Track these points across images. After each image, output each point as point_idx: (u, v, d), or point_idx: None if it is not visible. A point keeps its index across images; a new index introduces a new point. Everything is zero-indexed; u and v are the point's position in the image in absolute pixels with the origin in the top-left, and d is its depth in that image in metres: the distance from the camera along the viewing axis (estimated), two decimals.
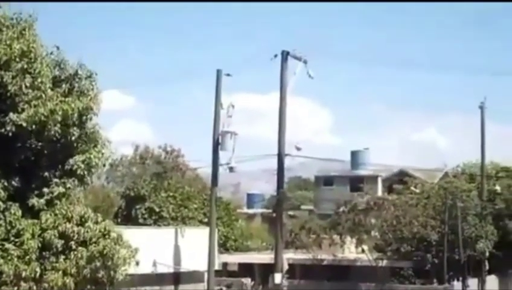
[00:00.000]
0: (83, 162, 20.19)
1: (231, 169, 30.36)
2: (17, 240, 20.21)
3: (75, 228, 19.07)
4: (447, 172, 66.61)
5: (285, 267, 37.11)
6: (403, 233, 49.49)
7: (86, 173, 20.28)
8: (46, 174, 21.41)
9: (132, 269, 18.93)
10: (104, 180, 53.47)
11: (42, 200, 20.87)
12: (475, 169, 59.36)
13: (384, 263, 50.66)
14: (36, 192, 21.17)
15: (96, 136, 21.20)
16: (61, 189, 20.81)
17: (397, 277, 48.98)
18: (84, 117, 21.17)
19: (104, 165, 20.95)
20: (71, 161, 20.85)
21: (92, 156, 20.19)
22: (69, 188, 20.97)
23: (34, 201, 20.93)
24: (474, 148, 57.16)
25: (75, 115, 20.55)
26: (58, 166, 21.30)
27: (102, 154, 20.39)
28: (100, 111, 21.44)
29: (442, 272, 47.45)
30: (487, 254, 50.11)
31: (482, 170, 53.63)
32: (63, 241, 20.07)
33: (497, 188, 54.17)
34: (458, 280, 47.93)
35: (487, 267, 50.73)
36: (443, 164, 68.42)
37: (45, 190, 21.09)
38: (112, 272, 18.76)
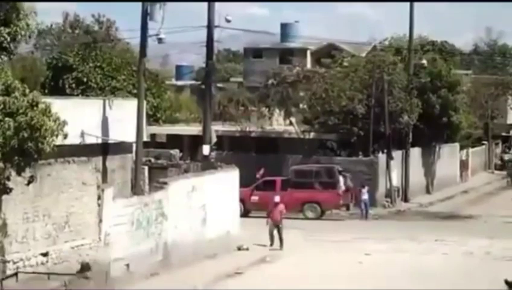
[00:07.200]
0: (8, 34, 19.71)
1: (160, 40, 30.09)
2: None
3: (1, 98, 18.74)
4: (376, 46, 67.15)
5: (214, 139, 37.48)
6: (330, 106, 50.05)
7: (11, 44, 19.82)
8: None
9: (60, 141, 18.82)
10: (32, 47, 52.18)
11: None
12: (403, 43, 59.90)
13: (311, 135, 51.43)
14: None
15: (21, 5, 20.62)
16: None
17: (324, 149, 49.83)
18: None
19: (29, 37, 20.47)
20: None
21: (18, 28, 19.70)
22: None
23: None
24: (403, 22, 57.49)
25: None
26: None
27: (28, 25, 19.89)
28: None
29: (367, 144, 48.45)
30: (411, 126, 51.24)
31: (409, 43, 54.19)
32: None
33: (424, 61, 54.86)
34: (383, 152, 49.01)
35: (411, 140, 51.98)
36: (371, 38, 68.90)
37: None
38: (39, 144, 18.63)
